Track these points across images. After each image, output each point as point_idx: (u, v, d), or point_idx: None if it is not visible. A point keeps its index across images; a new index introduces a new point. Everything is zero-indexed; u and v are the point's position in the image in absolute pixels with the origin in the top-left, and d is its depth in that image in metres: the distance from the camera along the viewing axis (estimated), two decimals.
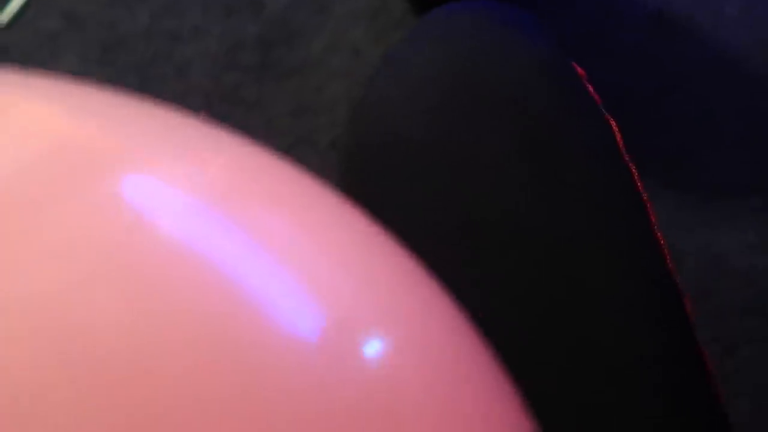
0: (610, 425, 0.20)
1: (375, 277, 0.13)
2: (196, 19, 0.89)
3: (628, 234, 0.23)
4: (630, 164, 0.24)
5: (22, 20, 0.89)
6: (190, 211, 0.12)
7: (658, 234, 0.24)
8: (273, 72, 0.85)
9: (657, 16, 0.86)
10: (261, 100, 0.84)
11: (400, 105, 0.24)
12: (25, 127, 0.12)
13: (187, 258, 0.11)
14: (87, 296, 0.10)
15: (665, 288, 0.23)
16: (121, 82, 0.86)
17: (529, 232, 0.22)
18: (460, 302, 0.15)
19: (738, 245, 0.77)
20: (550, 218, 0.22)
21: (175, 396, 0.09)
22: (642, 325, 0.22)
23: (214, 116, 0.69)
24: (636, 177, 0.24)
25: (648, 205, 0.25)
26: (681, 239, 0.76)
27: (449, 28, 0.25)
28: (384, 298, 0.13)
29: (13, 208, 0.10)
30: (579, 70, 0.27)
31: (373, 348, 0.12)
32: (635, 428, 0.20)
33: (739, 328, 0.76)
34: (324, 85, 0.84)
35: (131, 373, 0.09)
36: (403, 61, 0.25)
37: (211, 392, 0.09)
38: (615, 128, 0.25)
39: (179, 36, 0.88)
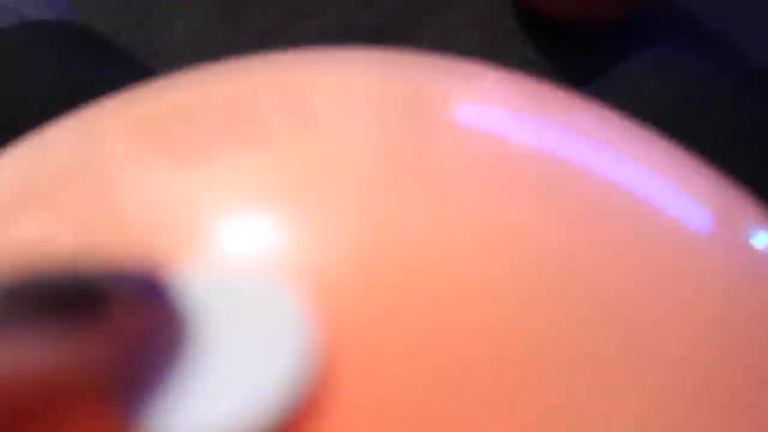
0: None
1: (705, 173, 0.14)
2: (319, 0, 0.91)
3: None
4: None
5: None
6: (536, 126, 0.13)
7: None
8: None
9: None
10: None
11: None
12: (356, 92, 0.13)
13: (570, 166, 0.12)
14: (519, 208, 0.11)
15: None
16: (236, 46, 0.88)
17: None
18: None
19: None
20: None
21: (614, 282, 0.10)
22: None
23: None
24: None
25: None
26: None
27: (670, 69, 0.26)
28: (731, 192, 0.14)
29: (394, 157, 0.12)
30: None
31: (757, 239, 0.13)
32: None
33: None
34: None
35: (579, 271, 0.10)
36: (621, 98, 0.26)
37: (637, 283, 0.11)
38: None
39: (298, 11, 0.90)
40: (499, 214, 0.11)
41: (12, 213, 0.11)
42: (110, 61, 0.31)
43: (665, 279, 0.11)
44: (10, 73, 0.29)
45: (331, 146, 0.12)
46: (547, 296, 0.10)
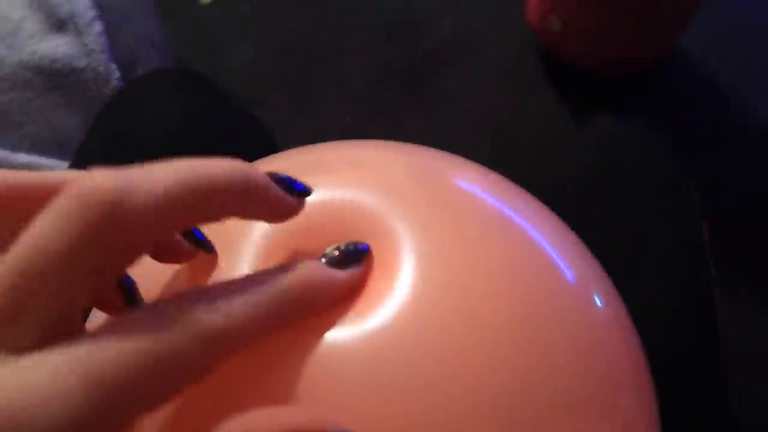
0: None
1: (579, 247, 0.21)
2: (361, 39, 1.01)
3: (689, 316, 0.31)
4: (709, 261, 0.33)
5: (219, 3, 1.05)
6: (498, 196, 0.21)
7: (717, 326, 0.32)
8: (413, 100, 0.96)
9: None
10: (398, 122, 0.94)
11: (573, 183, 0.35)
12: (394, 162, 0.21)
13: (507, 221, 0.20)
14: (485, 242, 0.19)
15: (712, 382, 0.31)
16: (286, 78, 0.99)
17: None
18: None
19: None
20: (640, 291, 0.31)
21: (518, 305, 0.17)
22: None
23: (355, 127, 0.81)
24: (711, 272, 0.33)
25: (715, 300, 0.33)
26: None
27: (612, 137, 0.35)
28: (591, 265, 0.20)
29: (414, 196, 0.20)
30: (689, 181, 0.35)
31: (599, 302, 0.19)
32: None
33: None
34: (454, 123, 0.94)
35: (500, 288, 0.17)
36: (568, 145, 0.35)
37: (532, 309, 0.17)
38: (706, 230, 0.33)
39: (341, 50, 1.00)
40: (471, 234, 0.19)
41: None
42: (217, 102, 0.40)
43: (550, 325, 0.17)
44: (145, 118, 0.36)
45: (377, 178, 0.21)
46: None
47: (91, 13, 0.54)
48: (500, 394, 0.16)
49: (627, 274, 0.31)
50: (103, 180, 0.12)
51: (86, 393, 0.10)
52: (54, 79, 0.48)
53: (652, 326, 0.30)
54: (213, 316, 0.13)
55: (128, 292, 0.17)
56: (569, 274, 0.19)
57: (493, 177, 0.23)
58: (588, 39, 0.87)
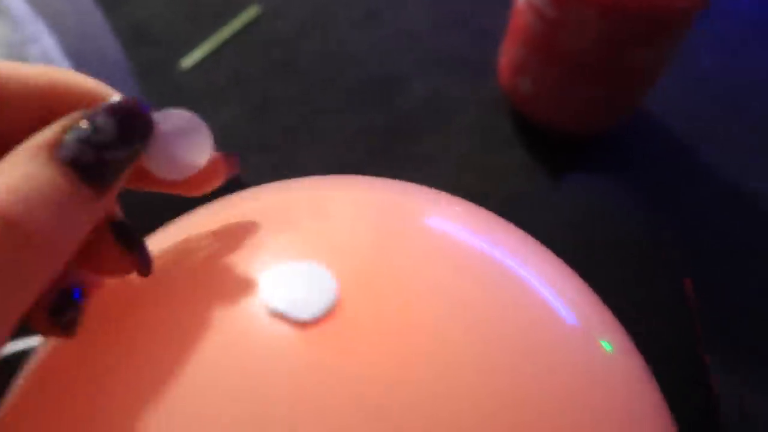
0: None
1: (582, 288, 0.19)
2: (339, 100, 1.03)
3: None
4: (694, 318, 0.33)
5: (199, 69, 1.06)
6: (480, 235, 0.19)
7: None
8: (390, 158, 0.97)
9: None
10: None
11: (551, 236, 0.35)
12: (365, 199, 0.20)
13: (489, 259, 0.18)
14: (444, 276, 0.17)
15: None
16: (267, 139, 0.99)
17: None
18: None
19: None
20: None
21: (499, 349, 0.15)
22: None
23: None
24: (697, 328, 0.33)
25: (713, 386, 0.33)
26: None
27: (586, 191, 0.35)
28: (596, 307, 0.18)
29: (379, 237, 0.18)
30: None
31: (606, 346, 0.17)
32: None
33: None
34: (430, 180, 0.95)
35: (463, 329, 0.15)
36: (553, 203, 0.36)
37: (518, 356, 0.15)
38: (689, 287, 0.33)
39: (323, 110, 1.02)
40: (443, 283, 0.17)
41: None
42: None
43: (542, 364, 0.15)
44: None
45: (341, 228, 0.18)
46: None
47: None
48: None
49: None
50: None
51: None
52: None
53: None
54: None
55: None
56: (569, 316, 0.17)
57: (480, 214, 0.21)
58: (556, 99, 0.90)
